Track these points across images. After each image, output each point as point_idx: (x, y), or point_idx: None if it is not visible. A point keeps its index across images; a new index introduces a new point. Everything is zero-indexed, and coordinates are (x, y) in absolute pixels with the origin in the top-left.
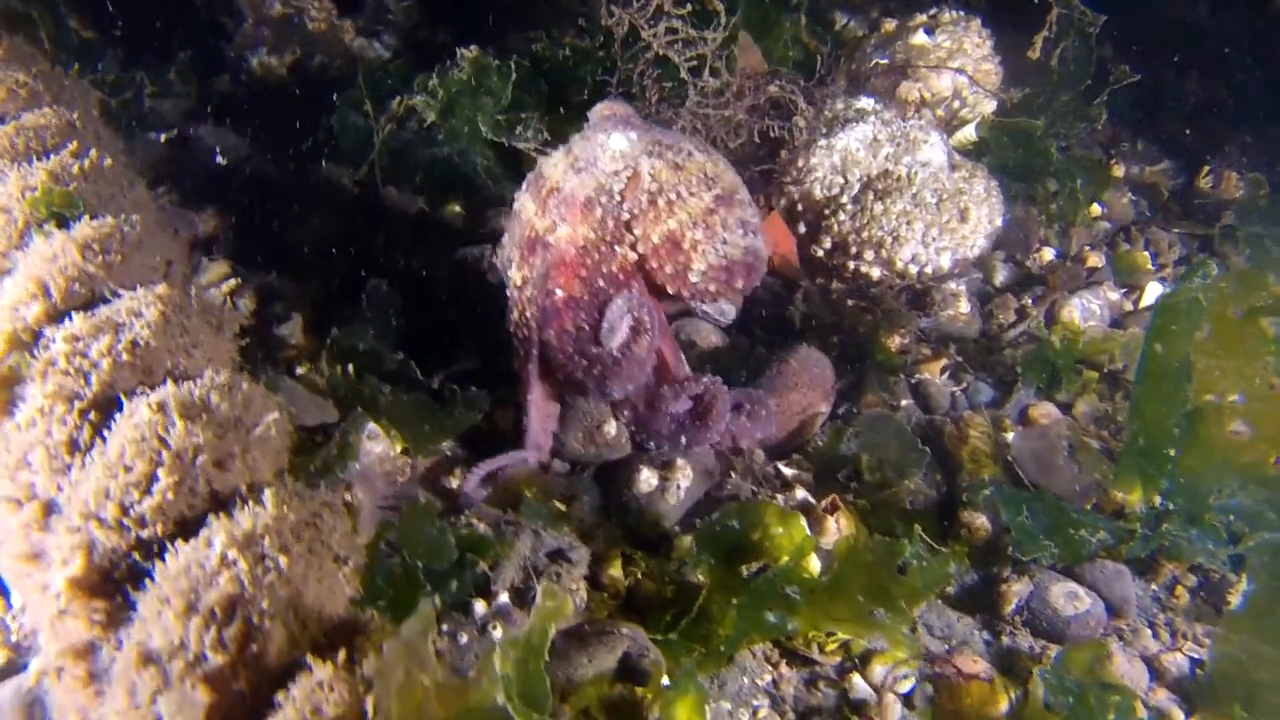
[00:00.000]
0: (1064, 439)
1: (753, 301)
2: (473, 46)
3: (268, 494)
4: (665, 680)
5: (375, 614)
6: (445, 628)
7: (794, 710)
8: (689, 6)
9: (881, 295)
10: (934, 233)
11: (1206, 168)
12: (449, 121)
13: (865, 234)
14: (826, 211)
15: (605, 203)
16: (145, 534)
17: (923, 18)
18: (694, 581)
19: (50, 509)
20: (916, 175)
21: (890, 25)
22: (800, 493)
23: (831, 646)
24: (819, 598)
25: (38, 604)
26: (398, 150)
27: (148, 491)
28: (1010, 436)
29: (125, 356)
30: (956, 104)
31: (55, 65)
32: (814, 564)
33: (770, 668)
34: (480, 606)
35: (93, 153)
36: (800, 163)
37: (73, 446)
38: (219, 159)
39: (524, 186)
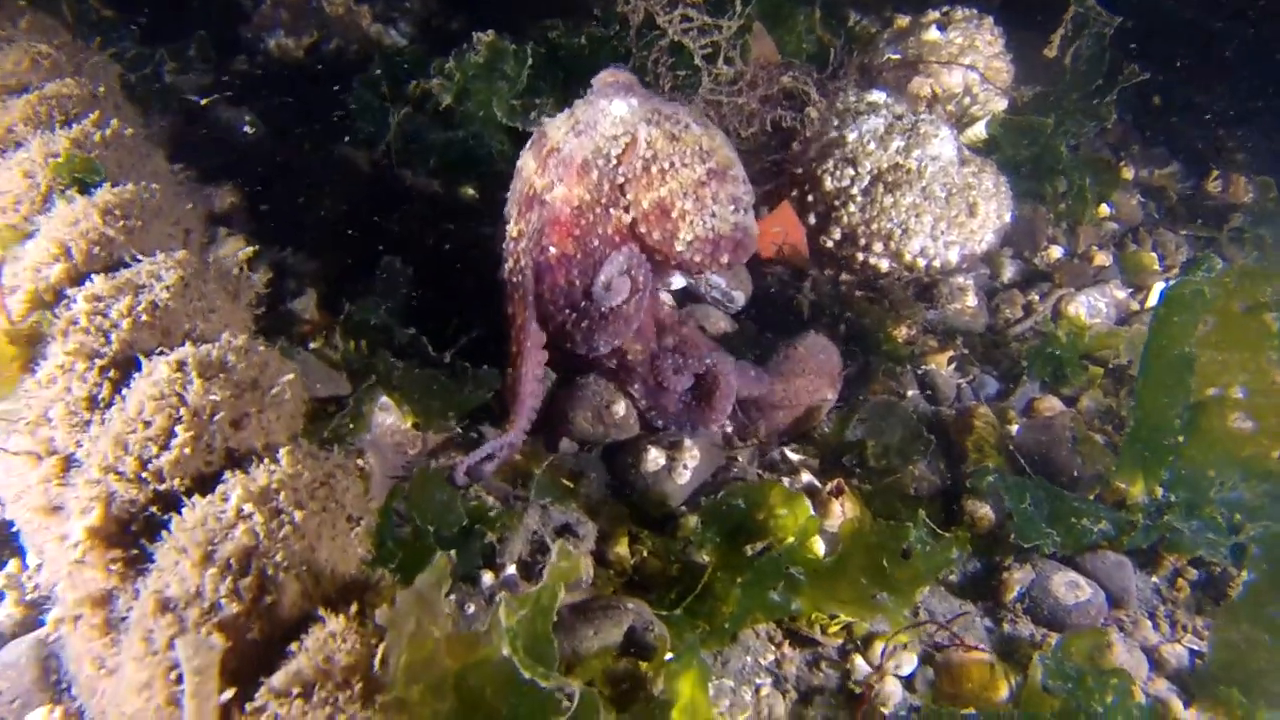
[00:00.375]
0: (1068, 431)
1: (762, 289)
2: (489, 31)
3: (283, 452)
4: (669, 655)
5: (386, 574)
6: (453, 597)
7: (796, 690)
8: None
9: (889, 287)
10: (943, 226)
11: (1215, 171)
12: (464, 105)
13: (874, 226)
14: (836, 203)
15: (602, 165)
16: (163, 487)
17: (935, 14)
18: (699, 560)
19: (69, 464)
20: (926, 169)
21: (903, 21)
22: (806, 476)
23: (834, 628)
24: (822, 579)
25: (55, 556)
26: (413, 132)
27: (166, 446)
28: (1014, 428)
29: (145, 317)
30: (967, 100)
31: (76, 40)
32: (818, 546)
33: (773, 647)
34: (488, 578)
35: (114, 122)
36: (811, 154)
37: (92, 403)
38: (246, 128)
39: (528, 145)
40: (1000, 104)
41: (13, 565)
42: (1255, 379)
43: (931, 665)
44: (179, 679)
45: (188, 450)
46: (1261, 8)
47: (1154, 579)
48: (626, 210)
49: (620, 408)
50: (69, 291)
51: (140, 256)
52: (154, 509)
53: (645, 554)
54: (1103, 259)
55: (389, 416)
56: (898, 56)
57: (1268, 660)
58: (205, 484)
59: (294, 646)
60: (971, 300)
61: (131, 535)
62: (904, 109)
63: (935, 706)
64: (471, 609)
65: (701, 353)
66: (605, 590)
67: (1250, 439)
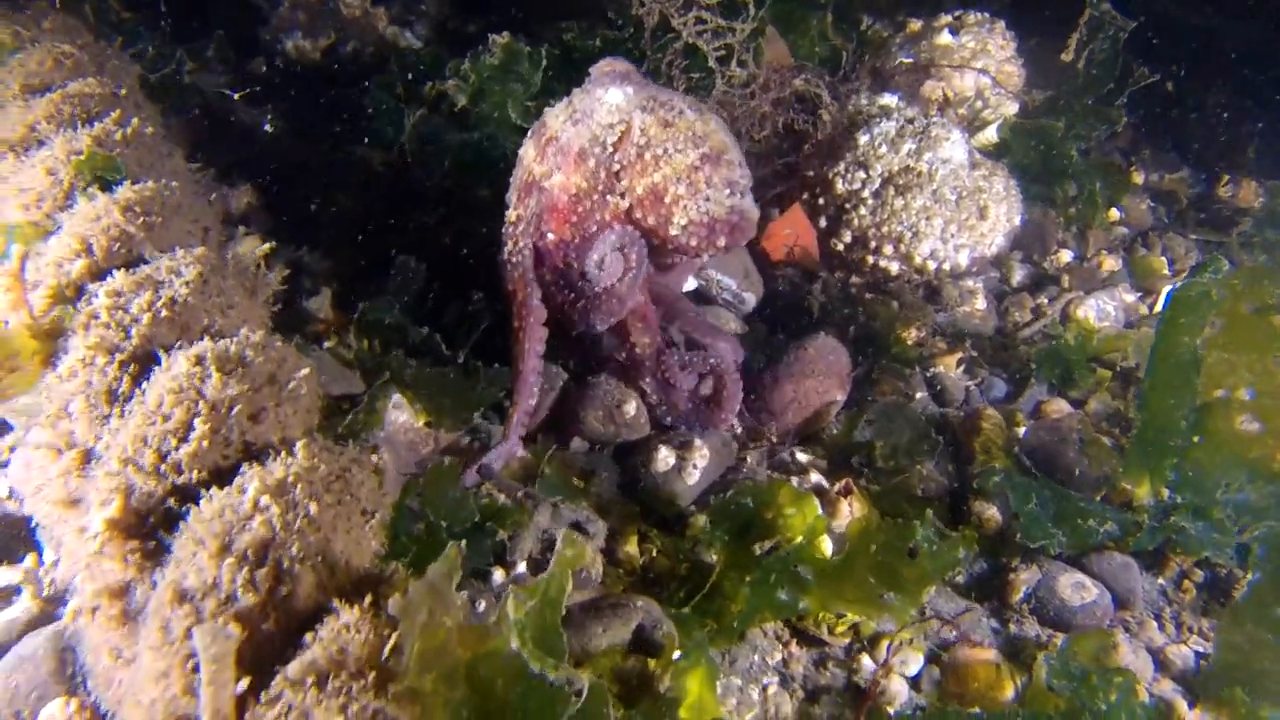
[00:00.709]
0: (1075, 433)
1: (773, 291)
2: (505, 33)
3: (299, 445)
4: (677, 653)
5: (399, 567)
6: (465, 593)
7: (802, 689)
8: None
9: (899, 289)
10: (953, 229)
11: (1226, 176)
12: (479, 106)
13: (885, 229)
14: (847, 205)
15: (598, 153)
16: (181, 480)
17: (948, 18)
18: (708, 559)
19: (89, 457)
20: (937, 172)
21: (915, 25)
22: (815, 476)
23: (841, 628)
24: (830, 578)
25: (74, 548)
26: (429, 133)
27: (184, 439)
28: (1022, 430)
29: (164, 312)
30: (979, 104)
31: (98, 40)
32: (826, 545)
33: (781, 646)
34: (499, 575)
35: (134, 121)
36: (823, 156)
37: (112, 397)
38: (266, 126)
39: (529, 133)
40: (1012, 108)
41: (30, 560)
42: (1262, 380)
43: (937, 665)
44: (196, 668)
45: (205, 443)
46: (1269, 9)
47: (1160, 580)
48: (623, 196)
49: (631, 408)
50: (90, 287)
51: (160, 253)
52: (172, 501)
53: (655, 552)
54: (1112, 263)
55: (402, 414)
56: (910, 60)
57: (1272, 661)
58: (223, 477)
59: (309, 637)
60: (981, 303)
61: (150, 527)
62: (916, 112)
63: (940, 706)
64: (482, 606)
65: (707, 353)
66: (615, 588)
67: (1257, 440)
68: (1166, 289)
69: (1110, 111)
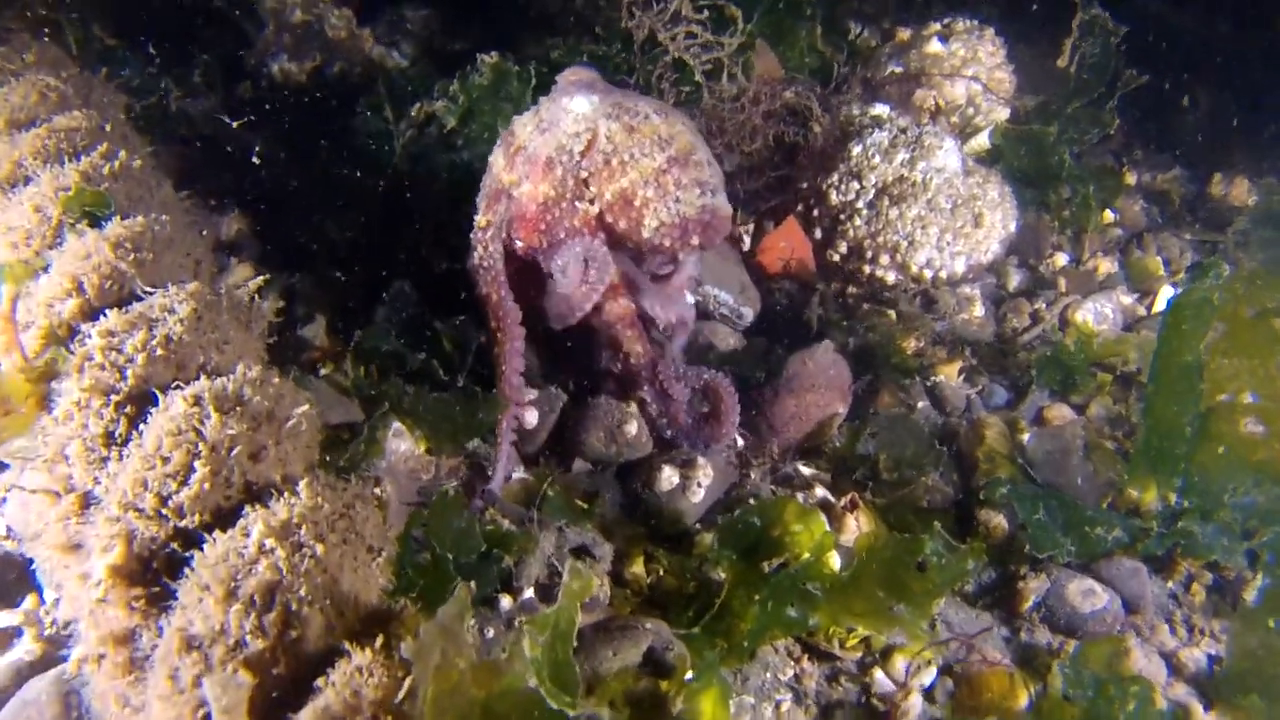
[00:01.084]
0: (1079, 439)
1: (770, 305)
2: (493, 53)
3: (302, 485)
4: (689, 674)
5: (408, 603)
6: (473, 622)
7: (816, 704)
8: (706, 13)
9: (897, 299)
10: (949, 237)
11: (1218, 175)
12: (469, 127)
13: (881, 239)
14: (842, 216)
15: (565, 161)
16: (183, 524)
17: (937, 26)
18: (715, 578)
19: (88, 501)
20: (931, 181)
21: (905, 34)
22: (820, 491)
23: (852, 642)
24: (839, 593)
25: (76, 594)
26: (418, 155)
27: (185, 482)
28: (1025, 437)
29: (159, 351)
30: (970, 111)
31: (83, 70)
32: (834, 560)
33: (792, 663)
34: (506, 601)
35: (122, 154)
36: (816, 167)
37: (109, 440)
38: (254, 158)
39: (498, 142)
40: (1003, 113)
41: (30, 601)
42: (1265, 384)
43: (951, 676)
44: (207, 717)
45: (207, 485)
46: (1254, 14)
47: (1169, 584)
48: (592, 203)
49: (632, 428)
50: (83, 327)
51: (152, 289)
52: (175, 545)
53: (661, 572)
54: (1108, 265)
55: (402, 443)
56: (900, 70)
57: None
58: (225, 519)
59: (320, 681)
60: (979, 310)
61: (153, 572)
62: (908, 122)
63: (957, 718)
64: (490, 633)
65: (701, 369)
66: (622, 610)
67: (1262, 444)
68: (1163, 290)
69: (1102, 115)
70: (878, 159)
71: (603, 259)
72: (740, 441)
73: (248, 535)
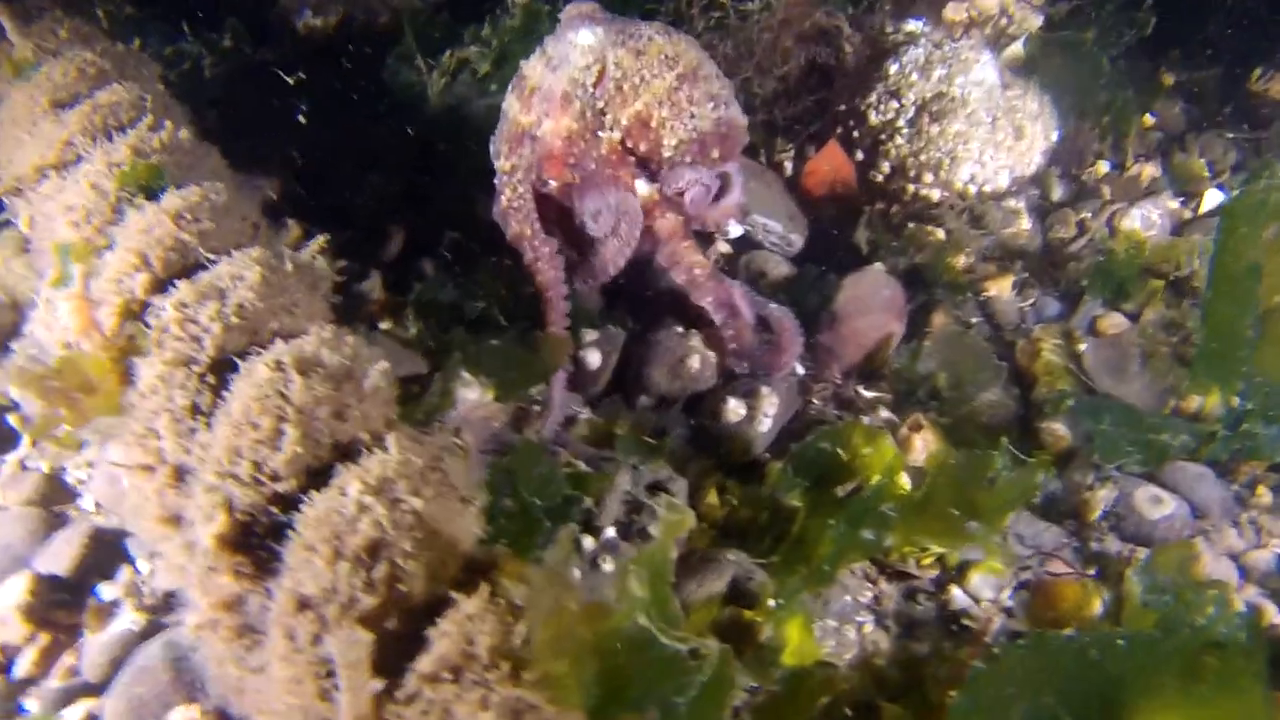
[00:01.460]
0: (1136, 347)
1: (818, 230)
2: None
3: (390, 440)
4: (772, 602)
5: (504, 550)
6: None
7: (897, 624)
8: None
9: (942, 216)
10: (991, 151)
11: (1258, 70)
12: (503, 70)
13: (923, 156)
14: (883, 136)
15: (581, 94)
16: (280, 487)
17: None
18: (788, 505)
19: (180, 472)
20: (971, 95)
21: None
22: (884, 413)
23: (927, 560)
24: (912, 513)
25: (181, 563)
26: (453, 103)
27: (277, 446)
28: (1082, 348)
29: (234, 319)
30: (1003, 21)
31: (114, 42)
32: (904, 481)
33: (870, 584)
34: (589, 542)
35: (168, 124)
36: (853, 88)
37: (194, 410)
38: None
39: (509, 88)
40: (1036, 21)
41: (126, 573)
42: None
43: (1025, 588)
44: (327, 673)
45: (299, 448)
46: None
47: (1234, 487)
48: (612, 129)
49: (695, 361)
50: (154, 300)
51: (215, 257)
52: (274, 509)
53: (735, 503)
54: (1152, 170)
55: (471, 392)
56: None
57: None
58: (317, 478)
59: (432, 631)
60: (1026, 223)
61: (256, 537)
62: (942, 36)
63: (1040, 631)
64: (577, 574)
65: (761, 300)
66: (700, 542)
67: None
68: (1209, 192)
69: (1137, 15)
70: (915, 76)
71: (634, 213)
72: (801, 368)
73: (345, 494)
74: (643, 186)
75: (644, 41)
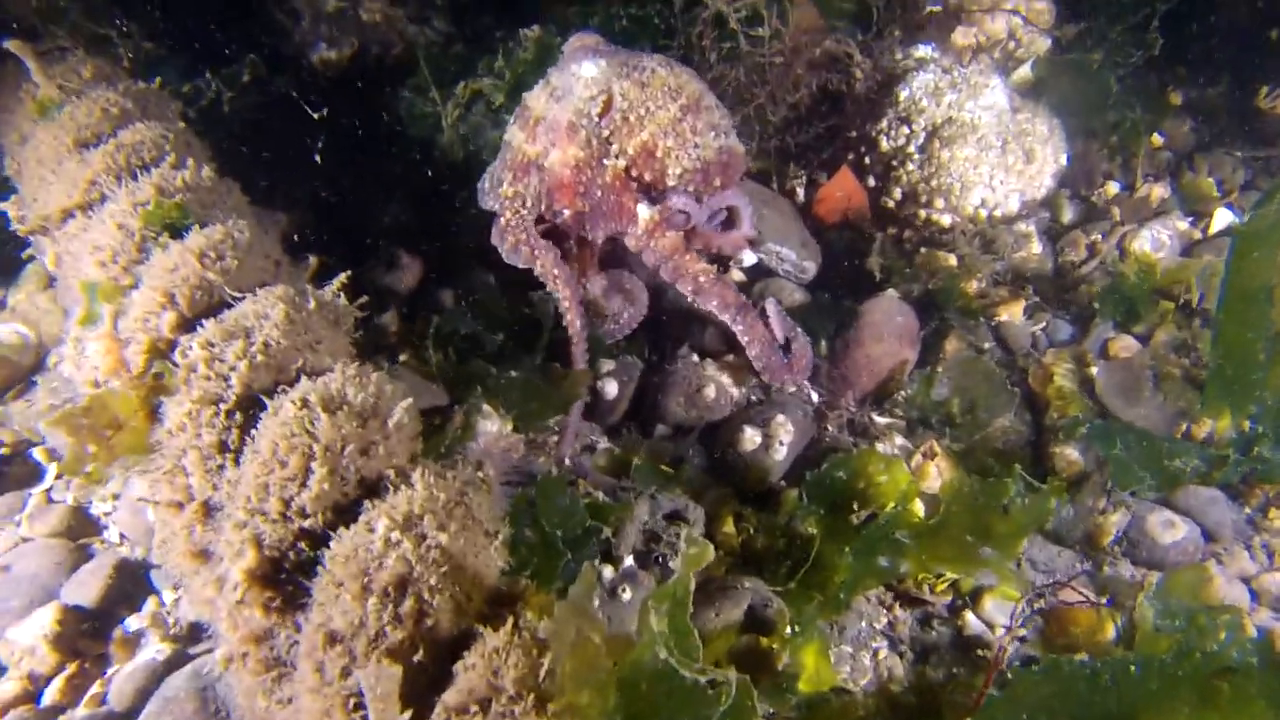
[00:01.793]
0: (1148, 370)
1: (831, 257)
2: (535, 27)
3: (416, 476)
4: (789, 629)
5: (528, 582)
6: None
7: (912, 650)
8: None
9: (954, 241)
10: (1001, 175)
11: (1265, 87)
12: (516, 101)
13: (934, 182)
14: (894, 162)
15: (585, 124)
16: (308, 524)
17: None
18: (804, 533)
19: (209, 508)
20: (981, 120)
21: None
22: (898, 439)
23: (941, 587)
24: (927, 540)
25: (209, 598)
26: (467, 134)
27: (304, 484)
28: (1094, 371)
29: (260, 357)
30: (1012, 44)
31: (135, 80)
32: (919, 508)
33: (885, 610)
34: (608, 571)
35: (190, 163)
36: (864, 114)
37: (223, 448)
38: (317, 158)
39: (513, 118)
40: (1044, 43)
41: (151, 604)
42: None
43: (1040, 613)
44: (357, 705)
45: (326, 485)
46: None
47: (1246, 510)
48: (618, 158)
49: (711, 391)
50: (181, 340)
51: (240, 295)
52: (302, 545)
53: (751, 531)
54: (1161, 191)
55: (492, 424)
56: (939, 8)
57: None
58: (344, 514)
59: (459, 665)
60: (1036, 246)
61: (284, 572)
62: (951, 61)
63: (1054, 657)
64: (596, 602)
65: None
66: (717, 570)
67: None
68: (1219, 211)
69: (1144, 36)
70: (926, 101)
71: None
72: (815, 396)
73: (373, 530)
74: (644, 210)
75: (648, 74)
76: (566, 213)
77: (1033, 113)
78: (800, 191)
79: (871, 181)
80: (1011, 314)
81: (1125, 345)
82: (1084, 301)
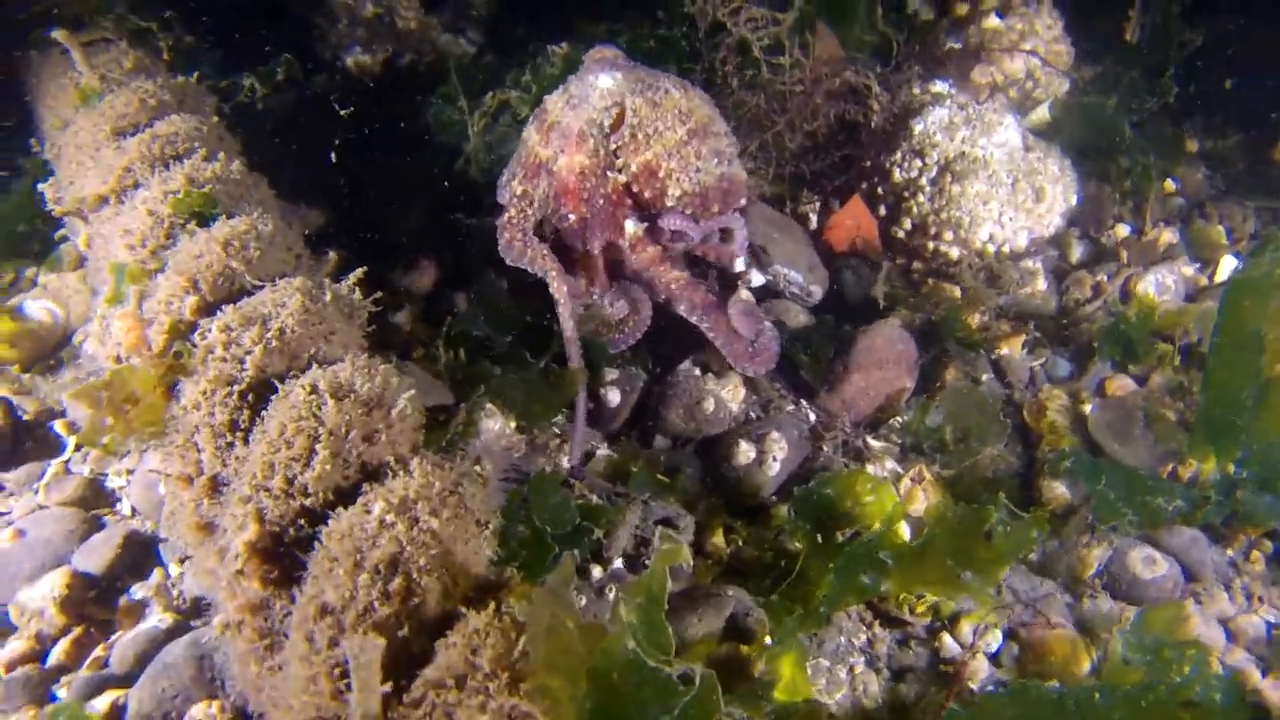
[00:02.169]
0: (1140, 410)
1: (838, 282)
2: (563, 44)
3: (414, 464)
4: (769, 639)
5: (514, 572)
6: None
7: (888, 668)
8: None
9: (961, 274)
10: (1010, 212)
11: None
12: None
13: (944, 215)
14: (906, 194)
15: (595, 134)
16: (309, 502)
17: (994, 0)
18: (792, 548)
19: (217, 483)
20: (993, 157)
21: (963, 8)
22: (889, 463)
23: (921, 608)
24: (910, 561)
25: (212, 568)
26: (492, 142)
27: (308, 464)
28: (1088, 408)
29: (275, 343)
30: (1029, 84)
31: (174, 74)
32: (904, 530)
33: (865, 628)
34: (597, 571)
35: (221, 155)
36: (879, 146)
37: (234, 426)
38: (333, 156)
39: (530, 118)
40: (1062, 85)
41: (157, 575)
42: None
43: (1016, 641)
44: (342, 674)
45: (328, 467)
46: None
47: (1229, 552)
48: (620, 172)
49: (710, 404)
50: (201, 322)
51: (260, 284)
52: (302, 522)
53: (740, 543)
54: (1170, 236)
55: (495, 422)
56: (959, 46)
57: None
58: (344, 496)
59: (440, 643)
60: (1041, 284)
61: (283, 547)
62: (967, 98)
63: (1022, 681)
64: (583, 600)
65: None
66: (704, 579)
67: None
68: (1226, 259)
69: (1161, 82)
70: (939, 136)
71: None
72: (813, 416)
73: (369, 511)
74: (630, 225)
75: (661, 94)
76: (572, 217)
77: (1045, 152)
78: (813, 217)
79: (883, 211)
80: (1012, 348)
81: (1121, 385)
82: (1084, 340)
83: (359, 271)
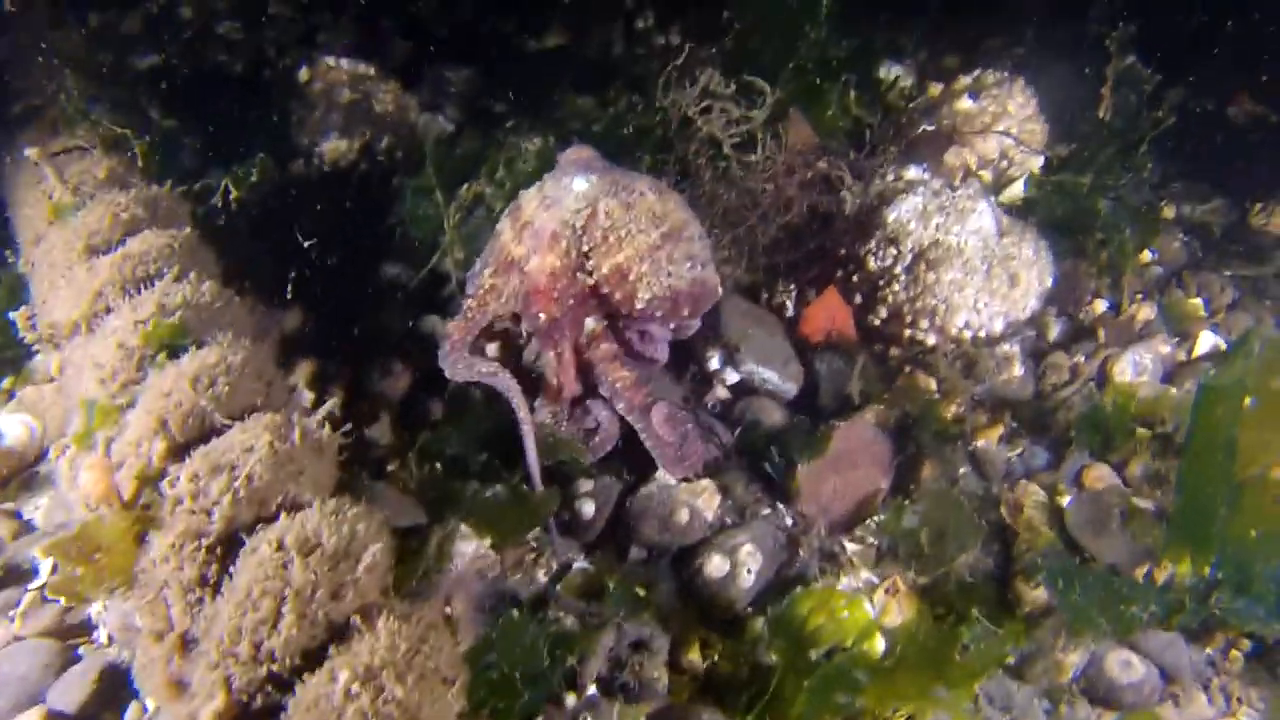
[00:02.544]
0: (1117, 506)
1: (813, 376)
2: (535, 139)
3: (380, 625)
4: None
5: None
6: None
7: None
8: (734, 86)
9: (937, 361)
10: (985, 298)
11: (1259, 204)
12: None
13: (919, 303)
14: (881, 282)
15: (569, 235)
16: (276, 668)
17: (967, 80)
18: (767, 662)
19: (186, 640)
20: (967, 244)
21: (935, 89)
22: (865, 574)
23: None
24: (884, 678)
25: None
26: (469, 236)
27: (275, 628)
28: (1065, 501)
29: (242, 493)
30: (1004, 164)
31: (149, 183)
32: (879, 643)
33: None
34: (570, 699)
35: (192, 276)
36: (854, 234)
37: (203, 581)
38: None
39: (506, 212)
40: (1037, 162)
41: (133, 710)
42: None
43: None
44: None
45: (295, 630)
46: None
47: (1207, 651)
48: (590, 274)
49: (684, 515)
50: (170, 469)
51: (230, 421)
52: (270, 689)
53: (716, 658)
54: (1147, 312)
55: (469, 545)
56: (932, 128)
57: None
58: (311, 658)
59: None
60: (1017, 369)
61: (252, 714)
62: (941, 184)
63: None
64: None
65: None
66: (680, 696)
67: None
68: (1203, 334)
69: (1136, 159)
70: (913, 224)
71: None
72: (790, 520)
73: (335, 681)
74: (590, 322)
75: (635, 196)
76: (542, 317)
77: (1020, 235)
78: (790, 305)
79: (858, 299)
80: (989, 439)
81: (1099, 475)
82: (1062, 427)
83: (333, 401)
